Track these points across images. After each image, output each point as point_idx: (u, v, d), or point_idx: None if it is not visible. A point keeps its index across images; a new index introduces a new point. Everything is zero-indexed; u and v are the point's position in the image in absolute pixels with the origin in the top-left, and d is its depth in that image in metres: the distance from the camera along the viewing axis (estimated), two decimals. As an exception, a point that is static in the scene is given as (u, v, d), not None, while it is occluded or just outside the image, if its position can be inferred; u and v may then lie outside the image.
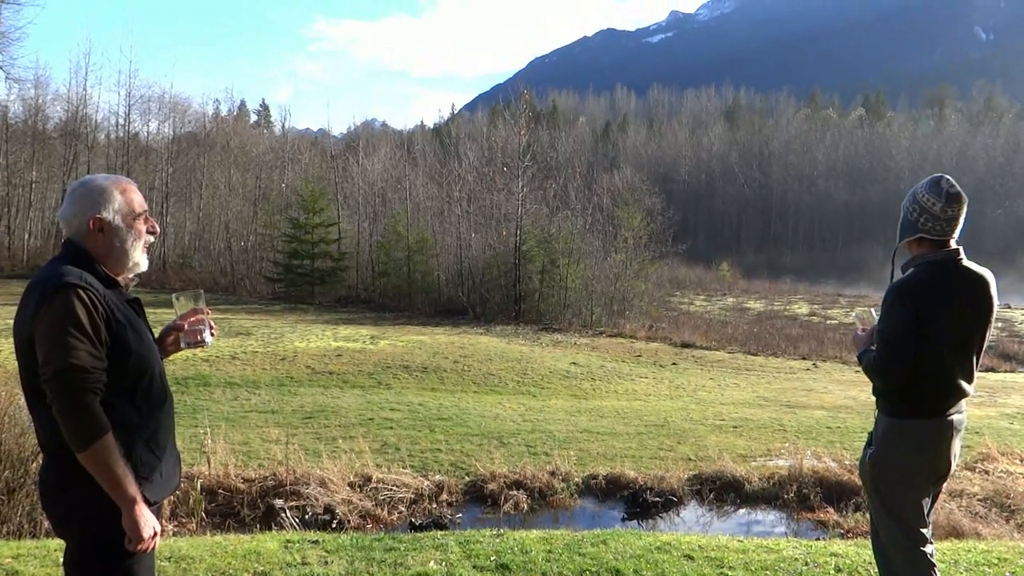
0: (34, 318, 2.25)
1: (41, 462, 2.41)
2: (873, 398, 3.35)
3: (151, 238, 2.56)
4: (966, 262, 3.17)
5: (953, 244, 3.16)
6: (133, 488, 2.25)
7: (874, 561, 4.74)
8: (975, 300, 3.14)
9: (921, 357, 3.04)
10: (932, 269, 3.12)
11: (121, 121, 44.20)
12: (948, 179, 3.15)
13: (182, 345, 2.69)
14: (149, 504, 2.32)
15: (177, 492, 6.93)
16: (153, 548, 2.35)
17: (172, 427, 2.55)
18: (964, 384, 3.17)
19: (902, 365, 3.04)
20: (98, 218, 2.42)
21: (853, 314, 3.47)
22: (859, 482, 8.05)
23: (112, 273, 2.45)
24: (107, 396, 2.26)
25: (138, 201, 2.51)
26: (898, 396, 3.14)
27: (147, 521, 2.27)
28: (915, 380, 3.07)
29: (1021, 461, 9.25)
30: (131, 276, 2.56)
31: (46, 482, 2.35)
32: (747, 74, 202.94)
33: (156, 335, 2.64)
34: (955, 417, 3.18)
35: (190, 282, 37.43)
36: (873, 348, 3.22)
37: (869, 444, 3.30)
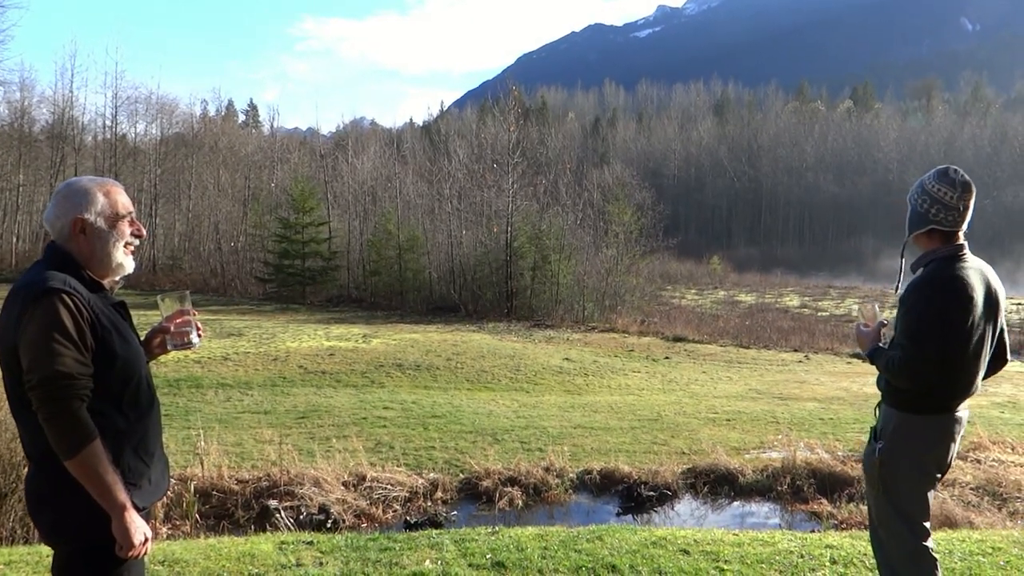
0: (18, 325, 2.21)
1: (27, 470, 2.38)
2: (875, 391, 3.32)
3: (136, 240, 2.51)
4: (972, 256, 3.15)
5: (961, 237, 3.14)
6: (123, 495, 2.22)
7: (869, 554, 4.75)
8: (988, 294, 3.12)
9: (945, 355, 3.00)
10: (948, 265, 3.08)
11: (108, 123, 44.05)
12: (956, 168, 3.13)
13: (169, 347, 2.64)
14: (138, 510, 2.29)
15: (170, 494, 6.92)
16: (144, 554, 2.31)
17: (159, 432, 2.52)
18: (978, 379, 3.16)
19: (933, 365, 2.97)
20: (80, 219, 2.38)
21: (854, 309, 3.31)
22: (853, 473, 8.10)
23: (96, 276, 2.41)
24: (94, 402, 2.23)
25: (122, 203, 2.46)
26: (914, 392, 3.08)
27: (138, 528, 2.24)
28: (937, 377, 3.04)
29: (1012, 450, 9.31)
30: (116, 279, 2.51)
31: (33, 490, 2.32)
32: (735, 68, 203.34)
33: (143, 338, 2.61)
34: (962, 413, 3.17)
35: (180, 283, 37.28)
36: (883, 344, 3.20)
37: (874, 438, 3.24)
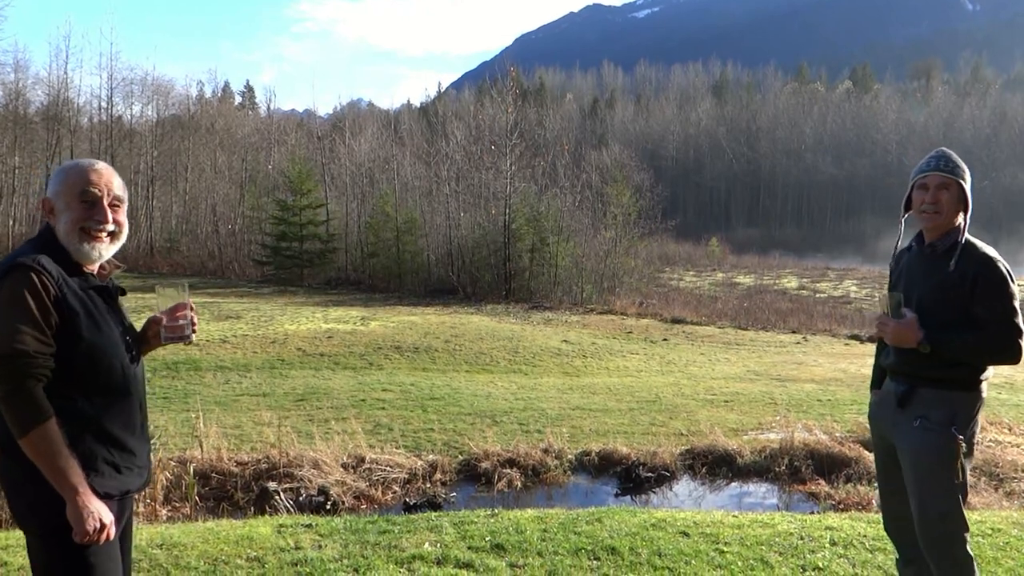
0: None
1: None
2: (915, 373, 3.16)
3: (100, 226, 2.36)
4: None
5: None
6: (76, 478, 2.18)
7: (869, 535, 4.75)
8: None
9: None
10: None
11: (104, 104, 43.76)
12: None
13: (163, 339, 2.57)
14: (101, 496, 2.25)
15: (170, 476, 6.92)
16: (104, 541, 2.25)
17: (133, 420, 2.44)
18: None
19: None
20: (45, 200, 2.37)
21: (878, 297, 3.06)
22: (850, 454, 8.10)
23: (75, 257, 2.34)
24: (56, 384, 2.20)
25: (91, 181, 2.35)
26: (974, 370, 3.02)
27: (91, 512, 2.19)
28: None
29: (1009, 430, 9.34)
30: (108, 263, 2.45)
31: (5, 475, 2.28)
32: (734, 48, 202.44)
33: (138, 325, 2.56)
34: None
35: (178, 266, 37.24)
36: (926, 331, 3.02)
37: (933, 423, 3.01)
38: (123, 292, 2.52)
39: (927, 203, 3.09)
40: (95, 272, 2.43)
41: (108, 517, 2.24)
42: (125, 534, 2.51)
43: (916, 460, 3.06)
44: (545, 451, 8.23)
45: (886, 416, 3.23)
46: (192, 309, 2.61)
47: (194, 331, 2.62)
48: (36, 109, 43.94)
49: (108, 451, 2.33)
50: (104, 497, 2.26)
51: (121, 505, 2.38)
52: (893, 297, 3.13)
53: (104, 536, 2.23)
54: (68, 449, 2.18)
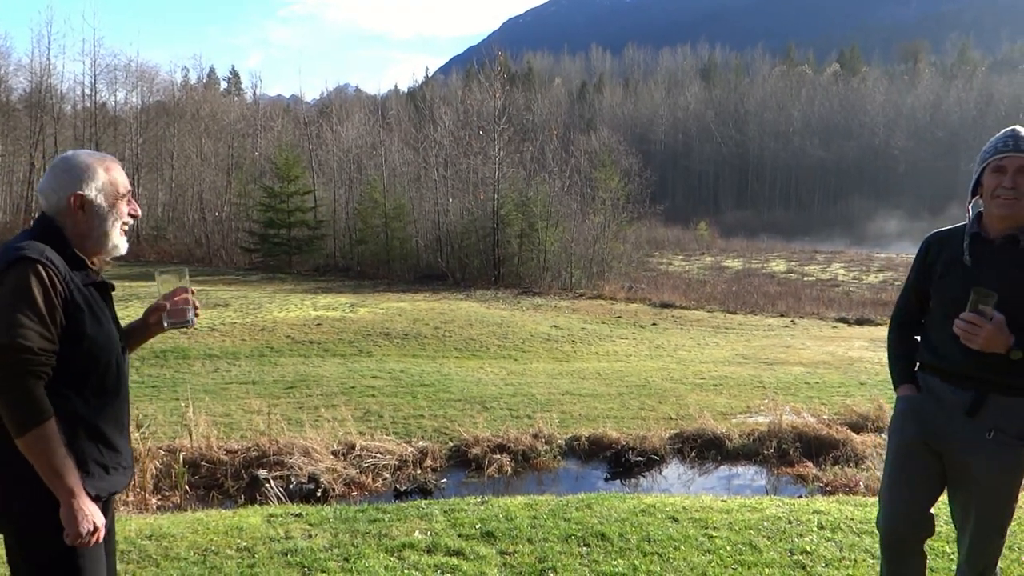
0: None
1: None
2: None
3: (131, 220, 2.45)
4: None
5: None
6: (73, 479, 2.14)
7: (856, 518, 4.78)
8: None
9: None
10: None
11: (87, 91, 43.27)
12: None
13: (165, 325, 2.57)
14: (94, 499, 2.21)
15: (160, 465, 6.91)
16: (99, 541, 2.23)
17: (122, 421, 2.42)
18: None
19: None
20: (79, 195, 2.30)
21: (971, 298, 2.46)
22: (838, 437, 8.17)
23: (87, 254, 2.33)
24: (53, 382, 2.15)
25: (122, 181, 2.40)
26: None
27: (85, 515, 2.15)
28: None
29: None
30: (107, 259, 2.44)
31: None
32: (722, 30, 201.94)
33: (123, 314, 2.55)
34: None
35: (165, 254, 36.98)
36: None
37: (1011, 436, 2.72)
38: (113, 288, 2.51)
39: (1003, 187, 2.69)
40: (99, 267, 2.43)
41: (101, 519, 2.21)
42: (108, 535, 2.48)
43: (985, 474, 2.77)
44: (535, 436, 8.26)
45: (939, 421, 2.86)
46: (192, 293, 2.61)
47: (197, 315, 2.63)
48: (19, 96, 43.41)
49: (99, 451, 2.29)
50: (95, 499, 2.22)
51: (105, 506, 2.34)
52: (991, 297, 2.62)
53: (95, 538, 2.20)
54: (66, 449, 2.14)
